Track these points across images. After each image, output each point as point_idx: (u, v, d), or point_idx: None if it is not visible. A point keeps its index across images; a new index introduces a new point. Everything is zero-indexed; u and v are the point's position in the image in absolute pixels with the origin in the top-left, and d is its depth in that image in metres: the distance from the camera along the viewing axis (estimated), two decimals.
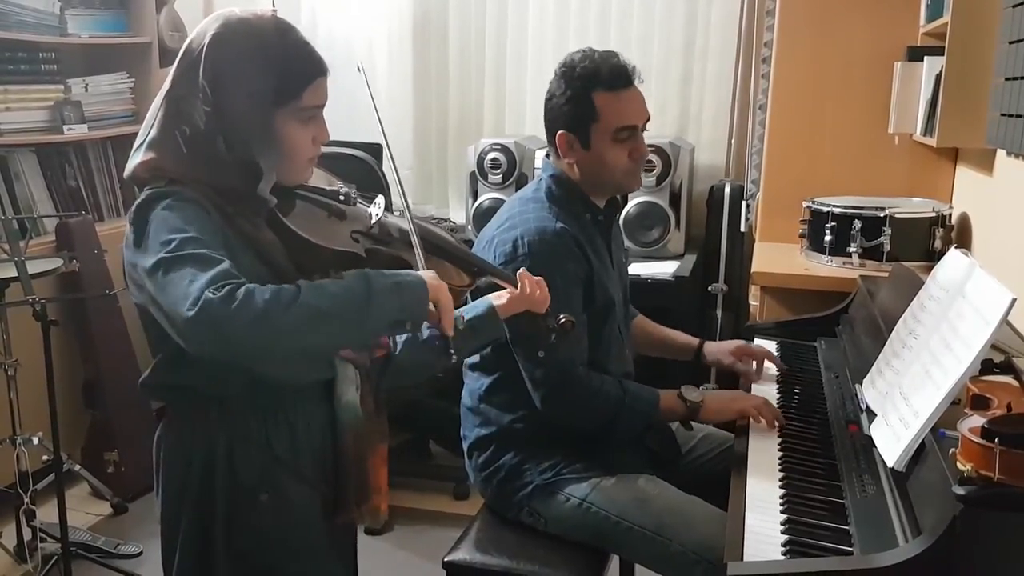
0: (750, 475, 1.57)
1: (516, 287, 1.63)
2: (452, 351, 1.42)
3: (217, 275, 1.22)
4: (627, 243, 3.12)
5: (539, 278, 1.66)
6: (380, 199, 1.55)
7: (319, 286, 1.27)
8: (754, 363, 2.15)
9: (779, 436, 1.75)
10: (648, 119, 1.97)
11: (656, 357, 2.29)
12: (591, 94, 1.88)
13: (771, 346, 2.30)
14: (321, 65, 1.42)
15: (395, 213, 1.56)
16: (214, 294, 1.19)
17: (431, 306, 1.34)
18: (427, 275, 1.37)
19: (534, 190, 2.00)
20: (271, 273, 1.37)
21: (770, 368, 2.15)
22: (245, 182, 1.36)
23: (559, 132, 1.93)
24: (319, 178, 1.54)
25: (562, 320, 1.64)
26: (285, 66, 1.37)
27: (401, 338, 1.51)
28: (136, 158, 1.38)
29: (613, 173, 1.94)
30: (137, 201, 1.35)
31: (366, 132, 3.83)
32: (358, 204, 1.54)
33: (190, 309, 1.19)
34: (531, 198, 1.97)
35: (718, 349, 2.19)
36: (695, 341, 2.24)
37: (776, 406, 1.89)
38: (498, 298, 1.66)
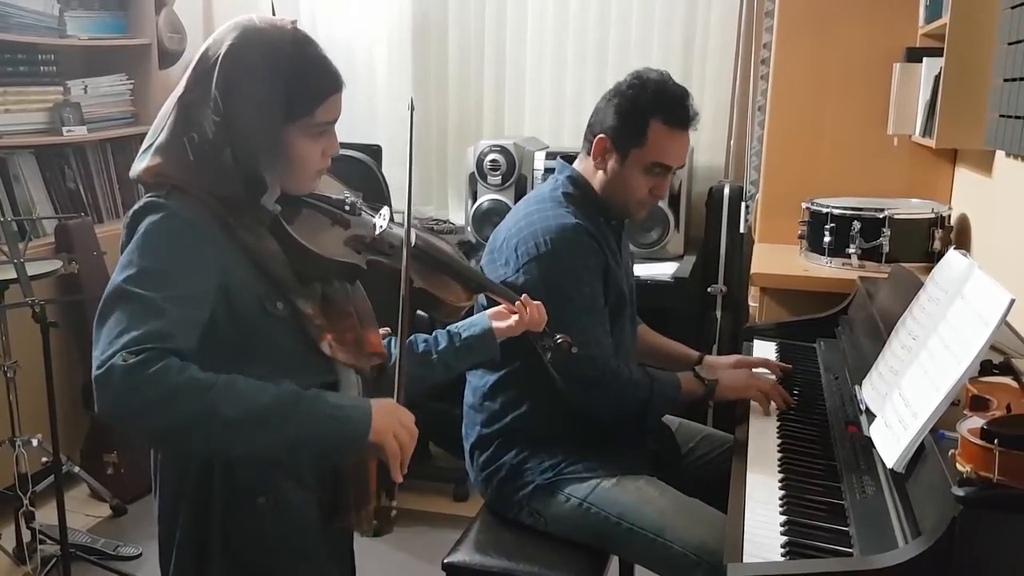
0: (750, 476, 1.57)
1: (514, 304, 1.64)
2: (393, 504, 1.35)
3: (143, 336, 1.19)
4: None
5: (538, 303, 1.69)
6: (385, 210, 1.55)
7: (238, 391, 1.22)
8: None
9: (779, 437, 1.76)
10: (682, 166, 2.00)
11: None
12: (649, 119, 1.89)
13: (771, 347, 2.30)
14: (337, 81, 1.40)
15: (400, 224, 1.55)
16: (124, 360, 1.16)
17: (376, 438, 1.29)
18: (379, 412, 1.31)
19: (551, 189, 2.01)
20: (270, 285, 1.37)
21: (764, 372, 2.14)
22: (249, 193, 1.35)
23: (601, 135, 1.94)
24: (329, 186, 1.53)
25: (559, 340, 1.65)
26: (299, 81, 1.36)
27: (395, 348, 1.51)
28: (143, 161, 1.37)
29: (628, 198, 1.96)
30: (135, 206, 1.34)
31: (365, 134, 3.86)
32: (363, 214, 1.54)
33: (98, 368, 1.17)
34: (548, 197, 1.98)
35: (717, 363, 2.18)
36: (695, 354, 2.24)
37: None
38: (496, 318, 1.66)
